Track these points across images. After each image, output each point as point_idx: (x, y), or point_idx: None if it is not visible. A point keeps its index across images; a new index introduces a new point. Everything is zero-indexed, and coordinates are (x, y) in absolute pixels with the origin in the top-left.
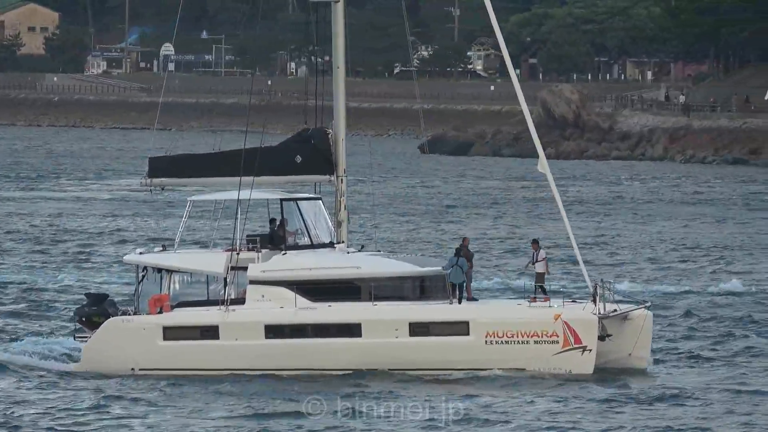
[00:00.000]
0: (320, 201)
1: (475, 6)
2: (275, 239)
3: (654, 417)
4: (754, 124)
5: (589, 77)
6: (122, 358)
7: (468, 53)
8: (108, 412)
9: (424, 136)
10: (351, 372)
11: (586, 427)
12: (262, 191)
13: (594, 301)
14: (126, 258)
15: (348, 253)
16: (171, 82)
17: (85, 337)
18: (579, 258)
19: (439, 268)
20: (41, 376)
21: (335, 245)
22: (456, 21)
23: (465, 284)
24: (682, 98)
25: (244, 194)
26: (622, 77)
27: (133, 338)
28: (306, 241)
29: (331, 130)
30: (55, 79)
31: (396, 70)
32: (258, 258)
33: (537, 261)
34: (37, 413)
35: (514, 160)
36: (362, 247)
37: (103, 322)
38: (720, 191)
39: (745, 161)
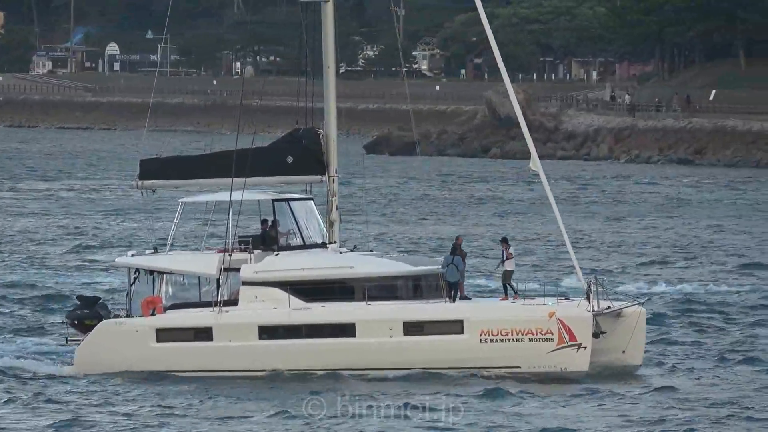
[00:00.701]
0: (312, 201)
1: (420, 6)
2: (267, 240)
3: (646, 415)
4: (699, 124)
5: (535, 77)
6: (115, 360)
7: (413, 53)
8: (101, 414)
9: (417, 138)
10: (346, 372)
11: (578, 426)
12: (253, 192)
13: (588, 298)
14: (118, 260)
15: (341, 253)
16: (116, 82)
17: (77, 340)
18: (572, 255)
19: (433, 267)
20: (33, 379)
21: (327, 245)
22: (401, 21)
23: (460, 283)
24: (628, 98)
25: (236, 195)
26: (568, 77)
27: (126, 340)
28: (298, 241)
29: (322, 130)
30: (0, 78)
31: (342, 70)
32: (250, 259)
33: (506, 259)
34: (29, 416)
35: (458, 159)
36: (354, 247)
37: (95, 325)
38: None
39: (690, 161)
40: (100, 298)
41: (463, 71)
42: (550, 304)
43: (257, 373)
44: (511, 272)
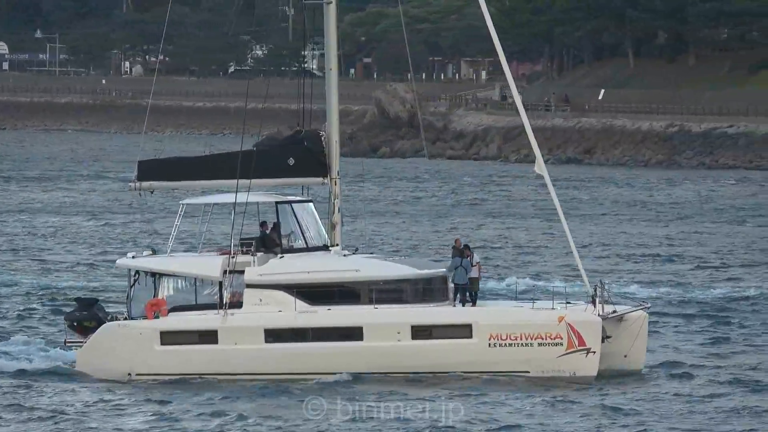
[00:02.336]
0: (311, 203)
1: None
2: (267, 242)
3: (647, 419)
4: (588, 123)
5: (424, 77)
6: (118, 363)
7: (303, 53)
8: (103, 419)
9: (424, 147)
10: (352, 376)
11: (578, 428)
12: (256, 194)
13: (593, 302)
14: (119, 262)
15: (344, 255)
16: (5, 82)
17: (76, 342)
18: (577, 259)
19: (439, 270)
20: (34, 382)
21: (330, 248)
22: (290, 20)
23: (467, 286)
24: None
25: (240, 197)
26: (457, 77)
27: (130, 343)
28: (301, 244)
29: (323, 132)
30: None
31: (231, 70)
32: (253, 261)
33: (471, 266)
34: (29, 420)
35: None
36: (356, 249)
37: (93, 327)
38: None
39: (579, 161)
40: (98, 300)
41: (352, 71)
42: (559, 308)
43: (263, 376)
44: (476, 280)
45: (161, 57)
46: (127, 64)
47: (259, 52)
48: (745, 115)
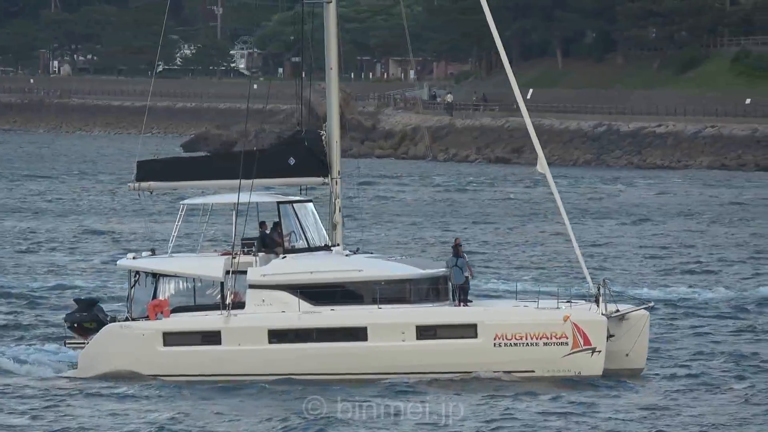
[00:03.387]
0: (312, 203)
1: (237, 5)
2: (269, 243)
3: (648, 419)
4: (516, 123)
5: (352, 76)
6: (120, 364)
7: (231, 52)
8: (105, 420)
9: (430, 153)
10: (356, 377)
11: (581, 428)
12: (257, 194)
13: (597, 301)
14: (120, 263)
15: (346, 255)
16: None
17: (76, 343)
18: (581, 259)
19: (441, 269)
20: (36, 384)
21: (332, 248)
22: (219, 20)
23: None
24: (449, 97)
25: (242, 197)
26: (385, 76)
27: (132, 344)
28: (302, 244)
29: (324, 132)
30: None
31: (159, 69)
32: (255, 262)
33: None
34: (32, 422)
35: None
36: (358, 249)
37: (93, 328)
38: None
39: (507, 160)
40: (98, 301)
41: (280, 70)
42: (564, 308)
43: (267, 377)
44: (467, 279)
45: (89, 56)
46: (56, 63)
47: (188, 52)
48: (673, 114)
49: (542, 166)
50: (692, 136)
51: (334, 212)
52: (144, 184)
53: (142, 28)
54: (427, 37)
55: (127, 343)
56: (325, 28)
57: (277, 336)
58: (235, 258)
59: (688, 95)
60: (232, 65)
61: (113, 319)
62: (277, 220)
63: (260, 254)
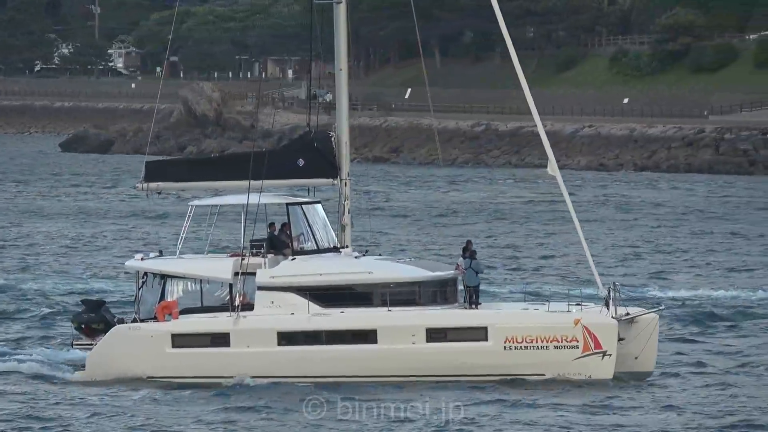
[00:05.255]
0: (320, 204)
1: (115, 4)
2: (278, 244)
3: (657, 422)
4: (395, 122)
5: (230, 75)
6: (129, 366)
7: (109, 51)
8: (113, 422)
9: (438, 158)
10: (366, 379)
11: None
12: (266, 195)
13: (607, 305)
14: (128, 264)
15: (356, 257)
16: None
17: (84, 344)
18: (591, 262)
19: (451, 272)
20: (43, 386)
21: (340, 250)
22: (97, 19)
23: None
24: (330, 96)
25: (251, 199)
26: (263, 75)
27: (141, 346)
28: (311, 245)
29: (333, 133)
30: None
31: (37, 68)
32: (264, 263)
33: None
34: (40, 423)
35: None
36: (366, 251)
37: (101, 329)
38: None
39: (386, 159)
40: (105, 302)
41: (159, 69)
42: (574, 311)
43: (275, 379)
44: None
45: None
46: None
47: (66, 51)
48: (551, 114)
49: (553, 168)
50: (570, 135)
51: (343, 214)
52: (152, 185)
53: (18, 27)
54: (305, 36)
55: (135, 345)
56: (335, 29)
57: (287, 338)
58: (244, 259)
59: (566, 95)
60: (110, 64)
61: (121, 321)
62: (285, 221)
63: (269, 256)
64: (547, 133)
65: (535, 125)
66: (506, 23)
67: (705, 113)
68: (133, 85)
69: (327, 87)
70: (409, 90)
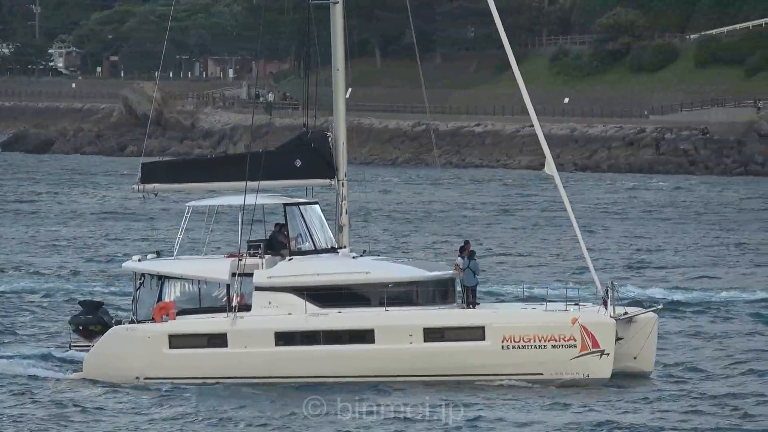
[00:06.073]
0: (318, 205)
1: (56, 3)
2: (275, 245)
3: (656, 422)
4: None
5: (171, 75)
6: (126, 366)
7: (49, 50)
8: (111, 422)
9: (436, 161)
10: (363, 379)
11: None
12: (264, 196)
13: (605, 304)
14: (125, 265)
15: (353, 257)
16: None
17: (81, 345)
18: (589, 261)
19: (448, 271)
20: (40, 387)
21: (338, 250)
22: (37, 18)
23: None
24: (271, 96)
25: (247, 199)
26: (204, 75)
27: (138, 346)
28: (309, 246)
29: (331, 134)
30: None
31: None
32: (262, 264)
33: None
34: (37, 424)
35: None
36: (364, 252)
37: (98, 331)
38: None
39: None
40: (102, 304)
41: (99, 69)
42: (572, 310)
43: (273, 380)
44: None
45: None
46: None
47: (6, 50)
48: (491, 114)
49: (550, 168)
50: (510, 135)
51: (341, 214)
52: (149, 186)
53: None
54: (246, 36)
55: (132, 346)
56: (332, 29)
57: (284, 338)
58: (241, 260)
59: (507, 95)
60: (51, 64)
61: (118, 322)
62: (285, 222)
63: (266, 256)
64: (487, 133)
65: (477, 124)
66: (447, 23)
67: (645, 113)
68: (73, 85)
69: (268, 86)
70: (350, 90)
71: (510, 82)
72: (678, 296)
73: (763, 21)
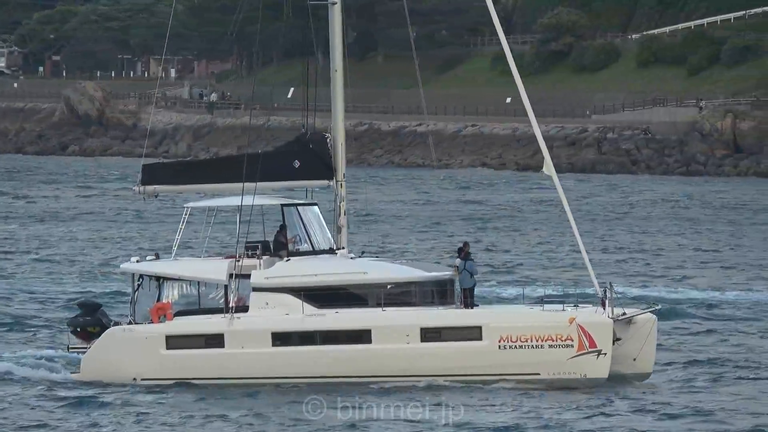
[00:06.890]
0: (317, 206)
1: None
2: (275, 246)
3: (655, 425)
4: (277, 122)
5: (113, 74)
6: (123, 368)
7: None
8: (108, 424)
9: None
10: (361, 380)
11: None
12: (262, 197)
13: (603, 304)
14: (123, 266)
15: (351, 258)
16: None
17: (79, 347)
18: (587, 261)
19: (446, 272)
20: (38, 388)
21: (336, 251)
22: None
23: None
24: (214, 96)
25: (245, 200)
26: (146, 74)
27: (135, 348)
28: (307, 247)
29: (329, 135)
30: None
31: None
32: (259, 265)
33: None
34: (34, 426)
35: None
36: (363, 252)
37: (96, 332)
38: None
39: None
40: (101, 305)
41: (41, 68)
42: (569, 310)
43: (270, 380)
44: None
45: None
46: None
47: None
48: (434, 113)
49: (548, 168)
50: (453, 135)
51: (339, 215)
52: (149, 188)
53: None
54: (188, 35)
55: (129, 347)
56: (330, 30)
57: (281, 339)
58: (238, 261)
59: (449, 94)
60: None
61: (116, 324)
62: (283, 223)
63: (264, 257)
64: (429, 132)
65: (419, 124)
66: (389, 23)
67: (587, 113)
68: (15, 85)
69: (210, 86)
70: (292, 89)
71: (453, 81)
72: (678, 296)
73: (705, 21)
